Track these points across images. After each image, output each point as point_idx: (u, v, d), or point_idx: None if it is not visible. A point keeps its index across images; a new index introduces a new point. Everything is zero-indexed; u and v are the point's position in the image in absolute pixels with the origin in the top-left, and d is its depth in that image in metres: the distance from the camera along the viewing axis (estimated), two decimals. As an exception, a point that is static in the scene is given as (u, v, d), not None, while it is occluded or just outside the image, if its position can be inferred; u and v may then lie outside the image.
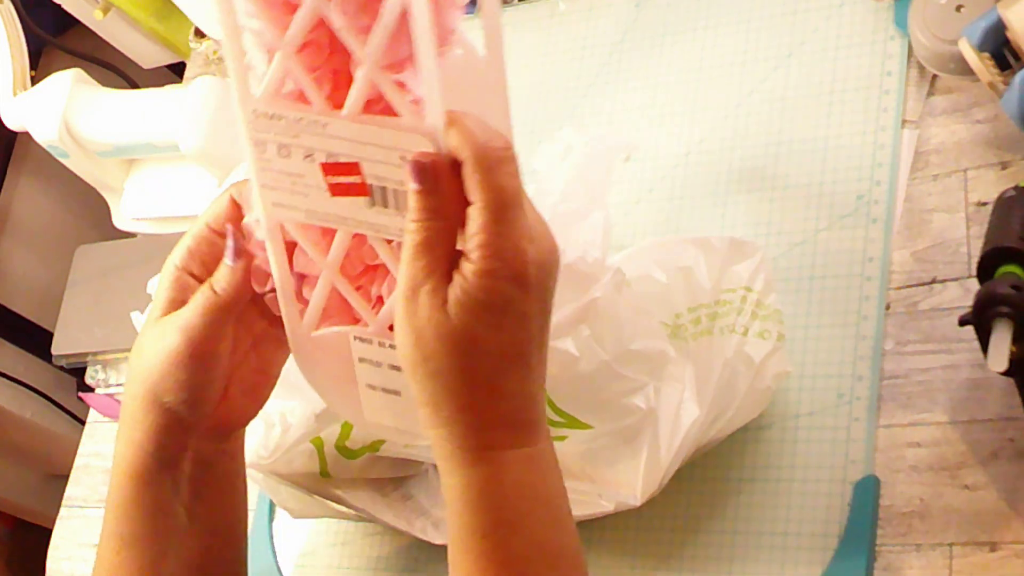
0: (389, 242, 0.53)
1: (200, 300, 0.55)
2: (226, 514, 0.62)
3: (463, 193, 0.48)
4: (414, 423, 0.54)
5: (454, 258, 0.49)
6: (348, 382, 0.57)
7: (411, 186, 0.48)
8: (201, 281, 0.56)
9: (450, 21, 0.49)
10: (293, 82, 0.51)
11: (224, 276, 0.55)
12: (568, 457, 0.72)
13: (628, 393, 0.69)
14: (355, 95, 0.49)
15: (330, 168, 0.51)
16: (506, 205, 0.48)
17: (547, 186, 0.69)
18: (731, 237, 0.74)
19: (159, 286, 0.57)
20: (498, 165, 0.48)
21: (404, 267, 0.49)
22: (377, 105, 0.49)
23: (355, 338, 0.56)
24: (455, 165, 0.48)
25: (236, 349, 0.58)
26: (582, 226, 0.68)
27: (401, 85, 0.48)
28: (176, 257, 0.57)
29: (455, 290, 0.48)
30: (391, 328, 0.52)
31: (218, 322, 0.55)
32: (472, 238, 0.48)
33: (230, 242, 0.55)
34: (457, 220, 0.49)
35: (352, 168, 0.50)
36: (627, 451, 0.70)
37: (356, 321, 0.56)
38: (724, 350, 0.71)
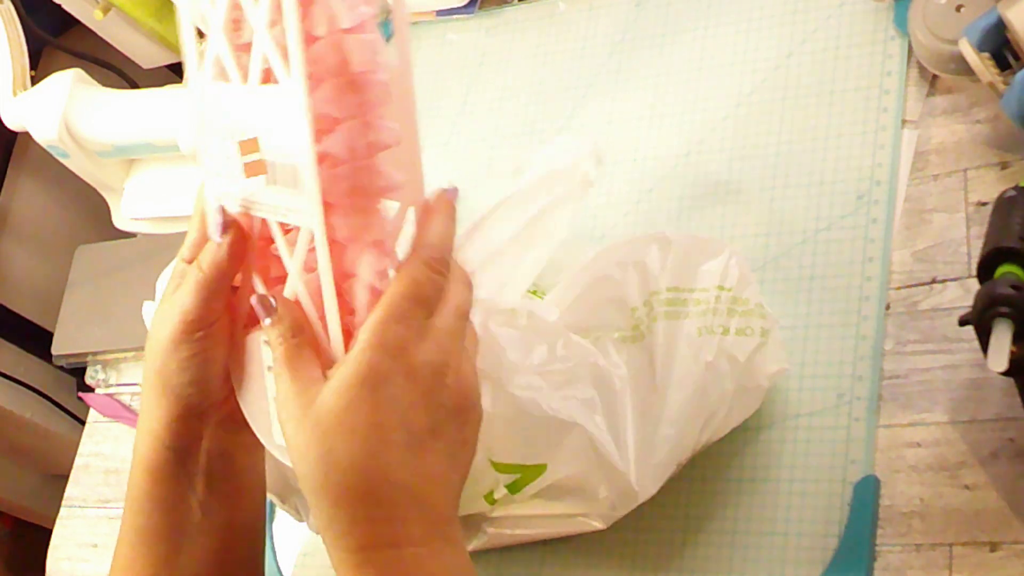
0: (286, 230, 0.53)
1: (190, 279, 0.55)
2: (242, 510, 0.62)
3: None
4: None
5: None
6: (263, 395, 0.56)
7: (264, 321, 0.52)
8: None
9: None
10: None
11: (208, 253, 0.55)
12: (544, 501, 0.71)
13: (556, 415, 0.68)
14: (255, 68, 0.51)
15: (243, 146, 0.51)
16: (404, 298, 0.51)
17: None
18: (692, 234, 0.73)
19: (169, 279, 0.57)
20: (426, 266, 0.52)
21: (276, 380, 0.52)
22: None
23: (265, 342, 0.54)
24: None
25: (236, 330, 0.57)
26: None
27: None
28: (183, 249, 0.57)
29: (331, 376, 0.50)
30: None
31: (207, 300, 0.55)
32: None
33: (215, 219, 0.55)
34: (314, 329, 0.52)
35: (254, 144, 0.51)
36: (593, 472, 0.69)
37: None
38: (704, 352, 0.70)
